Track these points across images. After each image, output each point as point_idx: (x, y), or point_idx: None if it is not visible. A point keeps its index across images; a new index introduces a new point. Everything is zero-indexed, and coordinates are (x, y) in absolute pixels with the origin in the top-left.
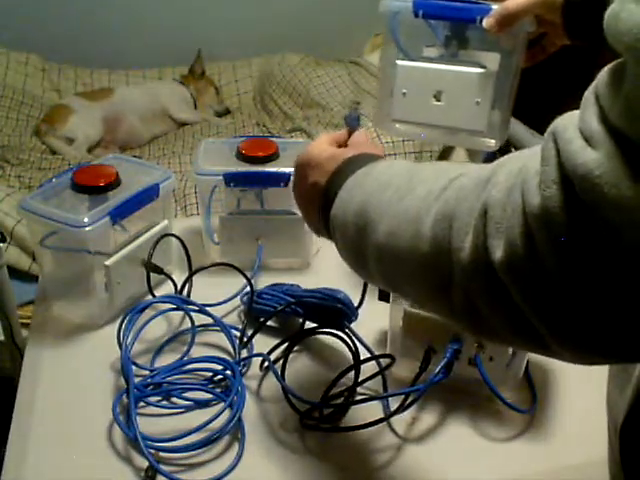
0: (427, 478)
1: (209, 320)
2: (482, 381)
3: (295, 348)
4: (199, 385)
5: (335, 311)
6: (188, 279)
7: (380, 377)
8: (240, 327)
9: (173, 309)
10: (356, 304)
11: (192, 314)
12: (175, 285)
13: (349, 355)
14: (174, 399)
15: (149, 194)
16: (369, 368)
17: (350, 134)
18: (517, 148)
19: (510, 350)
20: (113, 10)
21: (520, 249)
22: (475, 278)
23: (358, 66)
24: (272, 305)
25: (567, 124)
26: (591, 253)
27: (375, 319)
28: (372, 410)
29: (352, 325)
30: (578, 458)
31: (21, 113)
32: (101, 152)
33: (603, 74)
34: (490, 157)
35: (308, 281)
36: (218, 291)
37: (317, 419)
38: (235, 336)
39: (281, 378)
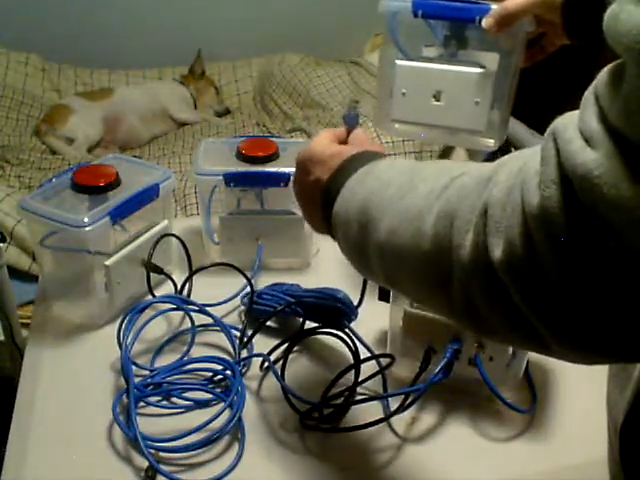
0: (427, 478)
1: (209, 320)
2: (482, 381)
3: (295, 348)
4: (199, 385)
5: (335, 310)
6: (188, 279)
7: (380, 377)
8: (240, 327)
9: (173, 309)
10: (356, 303)
11: (192, 314)
12: (175, 285)
13: (349, 355)
14: (174, 399)
15: (149, 194)
16: (369, 368)
17: (349, 133)
18: (517, 148)
19: (510, 350)
20: (113, 10)
21: (519, 249)
22: (475, 276)
23: (358, 66)
24: (272, 305)
25: (567, 124)
26: (590, 253)
27: (375, 319)
28: (372, 410)
29: (352, 325)
30: (578, 458)
31: (21, 113)
32: (101, 152)
33: (603, 74)
34: (490, 157)
35: (308, 281)
36: (218, 291)
37: (317, 419)
38: (235, 336)
39: (281, 378)
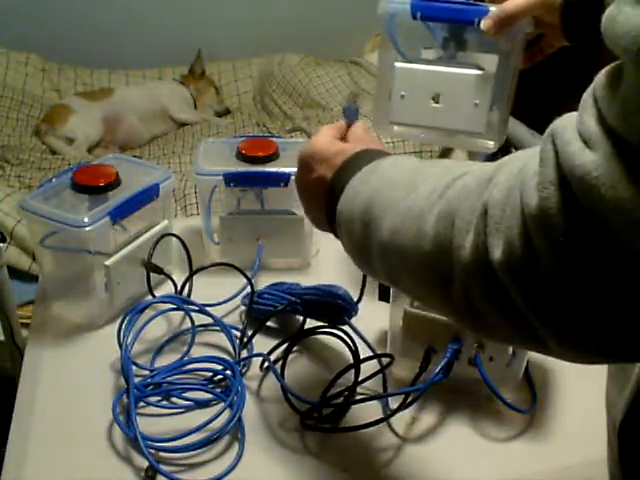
0: (427, 478)
1: (209, 320)
2: (482, 381)
3: (295, 348)
4: (199, 385)
5: (336, 307)
6: (188, 279)
7: (380, 377)
8: (240, 327)
9: (173, 309)
10: (355, 300)
11: (192, 314)
12: (175, 285)
13: (349, 355)
14: (174, 399)
15: (149, 194)
16: (369, 368)
17: (349, 127)
18: (517, 148)
19: (510, 350)
20: (113, 10)
21: (518, 249)
22: (475, 277)
23: (358, 66)
24: (272, 305)
25: (566, 125)
26: (588, 254)
27: (375, 319)
28: (372, 410)
29: (352, 322)
30: (578, 458)
31: (21, 113)
32: (101, 152)
33: (601, 76)
34: (490, 158)
35: (308, 281)
36: (218, 291)
37: (317, 419)
38: (235, 336)
39: (281, 378)
